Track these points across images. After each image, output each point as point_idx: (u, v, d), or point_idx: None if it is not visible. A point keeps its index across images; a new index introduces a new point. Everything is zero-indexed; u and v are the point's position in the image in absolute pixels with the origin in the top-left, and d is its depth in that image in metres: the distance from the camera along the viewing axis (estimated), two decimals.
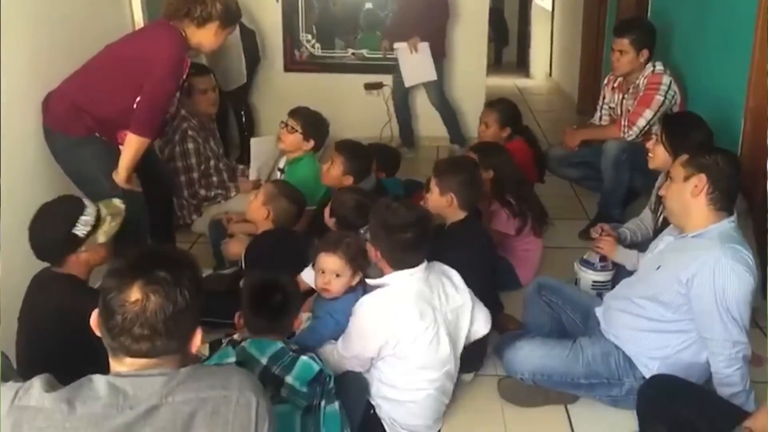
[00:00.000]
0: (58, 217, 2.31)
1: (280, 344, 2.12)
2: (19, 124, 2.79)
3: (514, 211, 3.42)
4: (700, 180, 2.30)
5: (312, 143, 3.68)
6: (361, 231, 2.47)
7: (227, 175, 4.15)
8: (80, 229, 2.29)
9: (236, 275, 3.18)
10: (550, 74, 8.96)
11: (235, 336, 2.31)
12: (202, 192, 4.02)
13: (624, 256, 3.02)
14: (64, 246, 2.29)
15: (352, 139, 3.67)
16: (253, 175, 4.06)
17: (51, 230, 2.29)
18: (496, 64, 10.13)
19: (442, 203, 2.92)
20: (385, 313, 2.31)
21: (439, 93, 5.47)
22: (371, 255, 2.43)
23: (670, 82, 3.77)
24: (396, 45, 5.30)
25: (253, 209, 3.17)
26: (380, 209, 2.41)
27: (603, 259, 3.07)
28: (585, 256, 3.20)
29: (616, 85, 4.11)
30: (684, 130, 2.99)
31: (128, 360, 1.41)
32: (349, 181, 3.45)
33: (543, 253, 3.68)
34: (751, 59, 3.19)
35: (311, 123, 3.67)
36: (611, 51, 3.96)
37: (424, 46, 5.24)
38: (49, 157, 2.95)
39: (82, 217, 2.30)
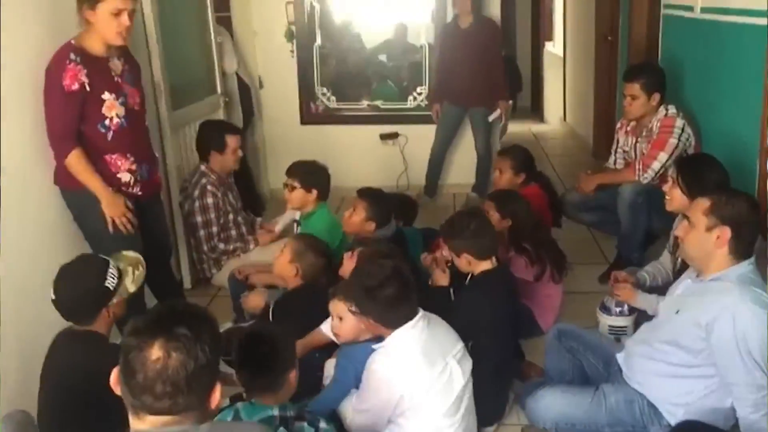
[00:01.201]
0: (88, 273, 2.33)
1: (271, 411, 2.01)
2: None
3: (531, 258, 3.41)
4: (724, 232, 2.28)
5: (315, 193, 3.72)
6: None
7: (246, 228, 4.20)
8: (110, 282, 2.32)
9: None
10: (565, 119, 9.01)
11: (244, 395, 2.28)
12: (221, 246, 4.06)
13: (644, 301, 3.01)
14: (98, 301, 2.30)
15: (374, 187, 3.71)
16: (279, 227, 4.15)
17: (83, 287, 2.30)
18: (511, 111, 10.20)
19: (463, 264, 2.90)
20: (396, 370, 2.31)
21: (487, 140, 5.53)
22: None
23: (684, 125, 3.78)
24: (490, 117, 5.41)
25: (281, 266, 3.19)
26: (354, 277, 2.42)
27: (619, 303, 3.06)
28: (604, 300, 3.19)
29: (629, 129, 4.13)
30: (699, 171, 2.99)
31: (149, 418, 1.43)
32: (371, 227, 3.47)
33: (564, 298, 3.66)
34: (763, 99, 3.20)
35: (307, 174, 3.73)
36: (623, 96, 3.99)
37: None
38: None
39: (109, 270, 2.33)
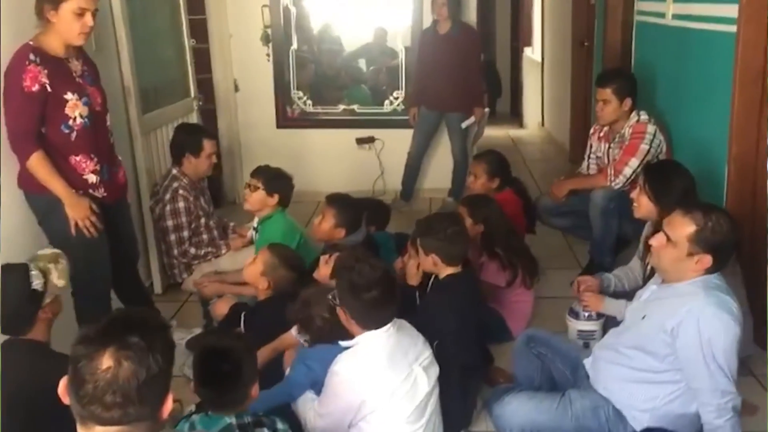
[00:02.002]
0: (11, 281, 2.26)
1: (228, 420, 1.98)
2: None
3: (503, 263, 3.42)
4: (705, 259, 2.27)
5: (276, 197, 3.69)
6: (329, 296, 2.48)
7: (218, 232, 4.17)
8: (37, 284, 2.27)
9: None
10: (543, 124, 9.05)
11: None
12: (192, 250, 4.02)
13: (612, 307, 3.01)
14: (31, 305, 2.26)
15: (342, 193, 3.69)
16: (250, 233, 4.10)
17: (12, 296, 2.24)
18: (490, 115, 10.22)
19: (428, 264, 2.91)
20: (359, 373, 2.31)
21: (464, 145, 5.52)
22: (342, 318, 2.41)
23: (655, 131, 3.80)
24: (464, 124, 5.39)
25: (253, 277, 3.15)
26: (344, 271, 2.41)
27: (588, 308, 3.06)
28: (573, 306, 3.19)
29: (602, 134, 4.15)
30: (666, 178, 3.00)
31: (98, 428, 1.40)
32: (340, 234, 3.46)
33: (535, 303, 3.66)
34: (731, 106, 3.22)
35: (271, 178, 3.70)
36: (595, 101, 4.01)
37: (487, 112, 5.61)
38: None
39: (31, 272, 2.28)
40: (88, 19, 2.81)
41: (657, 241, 2.37)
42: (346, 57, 5.87)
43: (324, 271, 2.99)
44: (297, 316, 2.62)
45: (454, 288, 2.83)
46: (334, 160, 5.86)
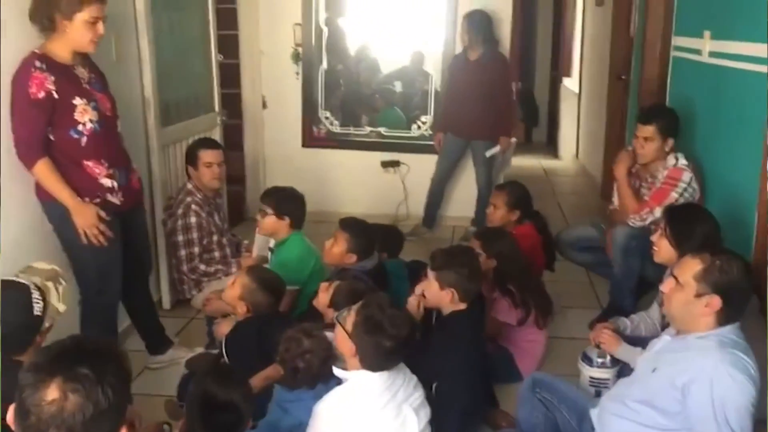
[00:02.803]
0: (12, 305, 2.14)
1: None
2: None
3: (515, 301, 3.30)
4: (714, 300, 2.16)
5: (287, 220, 3.57)
6: (336, 315, 2.38)
7: (230, 250, 4.11)
8: (38, 309, 2.18)
9: (218, 357, 3.09)
10: (577, 156, 8.89)
11: None
12: (202, 267, 3.97)
13: (627, 353, 2.86)
14: (30, 332, 2.17)
15: (357, 217, 3.60)
16: (255, 252, 4.02)
17: (13, 322, 2.12)
18: (526, 144, 10.12)
19: (443, 298, 2.80)
20: (348, 414, 2.23)
21: (489, 174, 5.42)
22: (346, 348, 2.32)
23: (690, 179, 3.59)
24: (488, 153, 5.30)
25: (231, 301, 3.07)
26: (375, 308, 2.31)
27: (602, 354, 2.91)
28: (586, 350, 3.04)
29: (633, 171, 3.95)
30: (688, 223, 2.87)
31: None
32: (351, 259, 3.37)
33: (551, 343, 3.53)
34: (763, 151, 3.07)
35: (281, 201, 3.59)
36: (635, 138, 3.81)
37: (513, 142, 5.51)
38: None
39: (33, 297, 2.18)
40: (100, 27, 2.82)
41: (667, 286, 2.25)
42: (374, 79, 5.84)
43: (323, 299, 2.90)
44: (281, 354, 2.49)
45: (459, 327, 2.73)
46: (358, 182, 5.80)
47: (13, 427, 1.36)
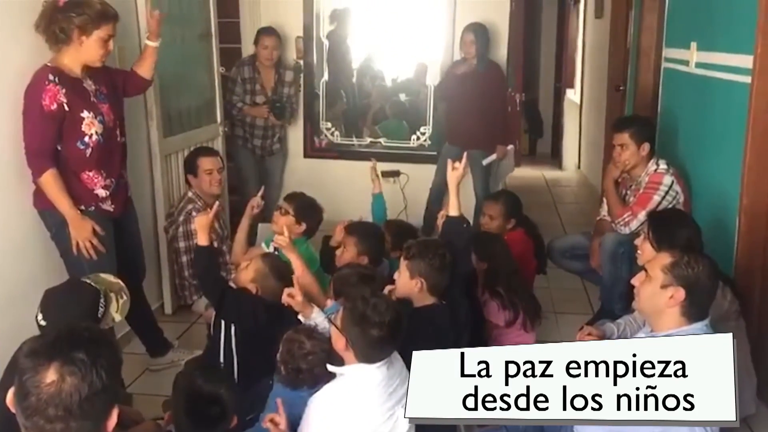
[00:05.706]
0: (82, 304, 2.28)
1: None
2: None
3: (504, 302, 3.38)
4: (678, 293, 2.24)
5: (303, 227, 3.69)
6: (327, 316, 2.45)
7: (230, 257, 4.21)
8: (99, 313, 2.32)
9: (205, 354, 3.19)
10: (579, 167, 8.96)
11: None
12: None
13: None
14: None
15: (362, 221, 3.68)
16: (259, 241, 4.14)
17: (78, 317, 2.24)
18: (530, 155, 10.20)
19: (411, 287, 2.82)
20: (340, 410, 2.27)
21: (486, 183, 5.52)
22: (339, 344, 2.37)
23: (672, 183, 3.71)
24: (485, 161, 5.40)
25: (243, 282, 3.15)
26: (359, 300, 2.35)
27: None
28: None
29: (620, 179, 4.08)
30: (670, 227, 2.96)
31: None
32: (364, 261, 3.42)
33: None
34: (743, 157, 3.16)
35: (303, 207, 3.71)
36: (611, 147, 3.95)
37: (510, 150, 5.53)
38: None
39: (100, 301, 2.32)
40: (111, 44, 2.98)
41: (638, 279, 2.35)
42: (375, 91, 5.95)
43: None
44: (282, 355, 2.54)
45: (424, 321, 2.73)
46: (359, 192, 5.82)
47: (12, 409, 1.47)
